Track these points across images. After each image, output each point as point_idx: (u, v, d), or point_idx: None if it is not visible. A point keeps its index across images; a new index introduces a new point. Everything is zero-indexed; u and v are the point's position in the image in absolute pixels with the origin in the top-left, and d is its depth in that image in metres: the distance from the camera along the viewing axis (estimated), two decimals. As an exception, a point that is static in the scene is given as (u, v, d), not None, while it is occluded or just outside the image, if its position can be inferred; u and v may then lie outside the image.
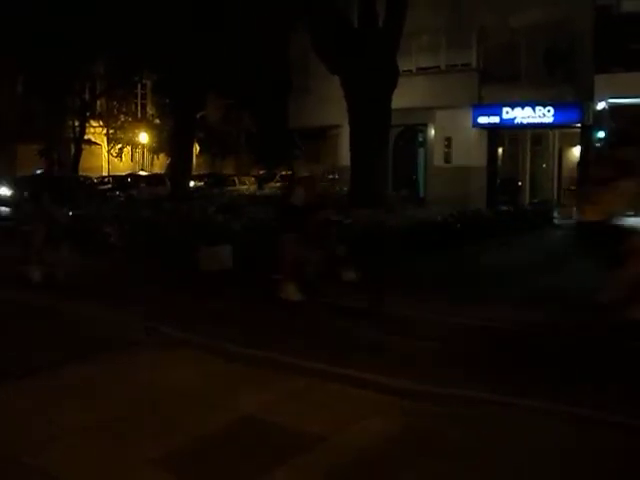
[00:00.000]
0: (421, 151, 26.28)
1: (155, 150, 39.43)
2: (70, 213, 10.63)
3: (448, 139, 24.61)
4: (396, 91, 16.62)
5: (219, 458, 4.15)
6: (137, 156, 40.51)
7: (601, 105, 21.15)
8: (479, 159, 23.88)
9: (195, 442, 4.32)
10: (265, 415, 4.75)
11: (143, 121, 38.80)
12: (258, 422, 4.64)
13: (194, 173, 29.35)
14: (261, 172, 37.17)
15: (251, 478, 3.88)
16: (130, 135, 37.98)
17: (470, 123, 23.56)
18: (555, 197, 23.19)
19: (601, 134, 21.57)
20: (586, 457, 4.14)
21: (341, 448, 4.24)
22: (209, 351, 6.27)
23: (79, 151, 32.27)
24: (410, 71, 23.38)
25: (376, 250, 10.23)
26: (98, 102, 35.66)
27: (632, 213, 6.50)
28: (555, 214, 18.61)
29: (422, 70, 24.36)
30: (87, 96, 33.37)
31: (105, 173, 36.10)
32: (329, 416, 4.73)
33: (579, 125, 21.96)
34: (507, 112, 22.69)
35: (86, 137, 33.82)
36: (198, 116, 27.95)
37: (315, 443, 4.28)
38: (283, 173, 35.22)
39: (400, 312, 7.62)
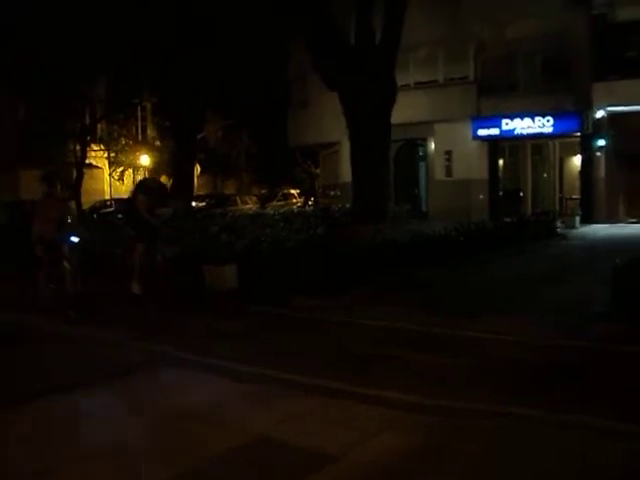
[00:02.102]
0: (422, 165, 26.35)
1: (157, 172, 39.53)
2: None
3: (448, 152, 24.67)
4: (395, 106, 16.70)
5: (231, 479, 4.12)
6: (139, 178, 40.60)
7: (600, 113, 21.23)
8: (480, 171, 23.93)
9: (206, 463, 4.28)
10: (277, 435, 4.71)
11: (144, 143, 38.94)
12: (270, 442, 4.60)
13: (196, 194, 29.40)
14: (263, 191, 37.32)
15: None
16: (131, 158, 38.09)
17: (470, 136, 23.64)
18: (557, 207, 23.19)
19: (601, 142, 21.63)
20: (605, 470, 4.10)
21: (355, 466, 4.21)
22: (219, 372, 6.22)
23: (81, 175, 32.37)
24: (408, 85, 23.49)
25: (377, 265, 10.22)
26: (99, 126, 35.81)
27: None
28: (558, 224, 18.57)
29: (420, 84, 24.48)
30: (87, 120, 33.52)
31: (107, 196, 36.20)
32: (341, 434, 4.71)
33: (579, 134, 22.03)
34: (507, 123, 22.76)
35: (87, 161, 33.91)
36: (198, 137, 28.11)
37: (329, 462, 4.24)
38: (285, 191, 35.38)
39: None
